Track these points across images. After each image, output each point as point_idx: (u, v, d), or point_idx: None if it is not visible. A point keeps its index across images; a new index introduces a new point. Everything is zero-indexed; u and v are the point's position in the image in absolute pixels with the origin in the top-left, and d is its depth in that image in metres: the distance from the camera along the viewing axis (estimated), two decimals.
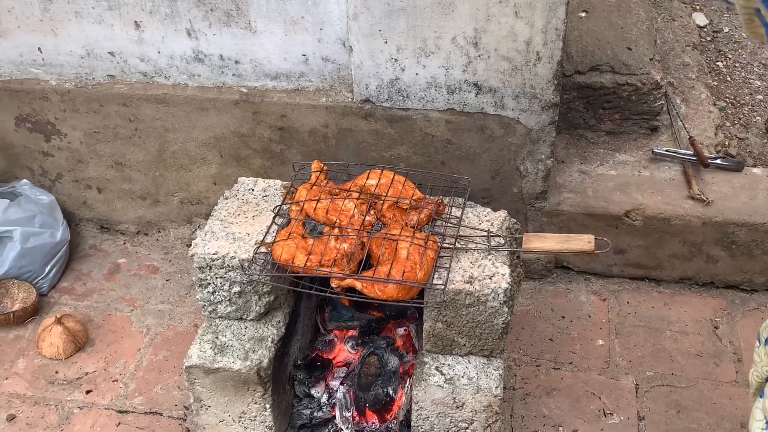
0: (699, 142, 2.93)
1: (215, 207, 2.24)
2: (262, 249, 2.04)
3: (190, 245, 2.90)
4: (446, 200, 2.19)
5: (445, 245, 2.06)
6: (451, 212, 2.17)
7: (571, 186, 2.81)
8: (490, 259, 2.05)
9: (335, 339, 2.44)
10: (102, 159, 2.93)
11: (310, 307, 2.46)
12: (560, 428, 2.42)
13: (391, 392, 2.24)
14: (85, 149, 2.91)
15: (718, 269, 2.79)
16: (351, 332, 2.43)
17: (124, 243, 3.13)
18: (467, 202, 2.21)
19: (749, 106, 3.27)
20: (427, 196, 2.18)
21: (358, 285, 1.96)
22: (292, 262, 1.97)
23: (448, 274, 1.99)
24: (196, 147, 2.82)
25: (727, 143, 3.03)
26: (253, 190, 2.30)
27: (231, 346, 2.13)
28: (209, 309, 2.15)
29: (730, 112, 3.24)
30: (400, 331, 2.43)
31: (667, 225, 2.71)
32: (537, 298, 2.83)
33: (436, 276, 1.99)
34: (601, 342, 2.66)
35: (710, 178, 2.82)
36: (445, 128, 2.58)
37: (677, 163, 2.89)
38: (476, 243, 2.09)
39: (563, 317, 2.76)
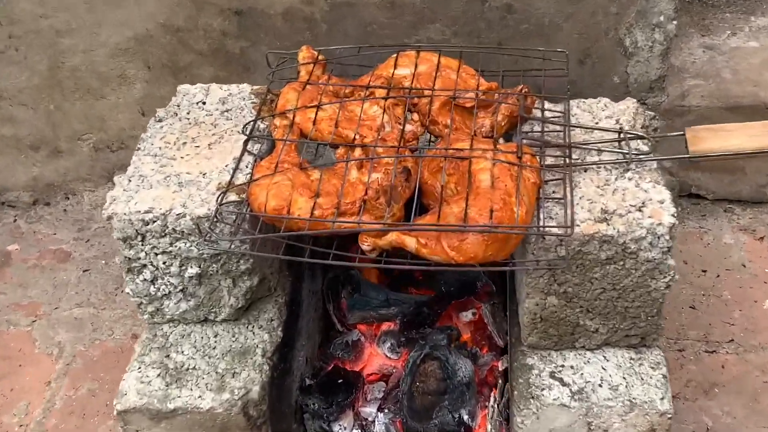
0: None
1: (143, 135, 1.92)
2: (232, 196, 1.73)
3: None
4: None
5: (548, 162, 1.73)
6: (544, 108, 1.85)
7: (696, 69, 2.56)
8: (631, 179, 1.69)
9: (362, 338, 2.21)
10: None
11: (315, 291, 2.22)
12: None
13: (465, 417, 1.97)
14: None
15: None
16: (387, 325, 2.22)
17: (15, 220, 2.94)
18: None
19: None
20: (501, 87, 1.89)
21: (412, 243, 1.59)
22: (288, 213, 1.65)
23: (568, 209, 1.61)
24: (107, 57, 2.61)
25: None
26: (204, 102, 2.00)
27: (193, 368, 1.83)
28: (150, 309, 1.84)
29: None
30: (467, 316, 2.21)
31: None
32: None
33: (544, 214, 1.64)
34: None
35: None
36: None
37: None
38: (600, 152, 1.75)
39: (704, 271, 2.53)
